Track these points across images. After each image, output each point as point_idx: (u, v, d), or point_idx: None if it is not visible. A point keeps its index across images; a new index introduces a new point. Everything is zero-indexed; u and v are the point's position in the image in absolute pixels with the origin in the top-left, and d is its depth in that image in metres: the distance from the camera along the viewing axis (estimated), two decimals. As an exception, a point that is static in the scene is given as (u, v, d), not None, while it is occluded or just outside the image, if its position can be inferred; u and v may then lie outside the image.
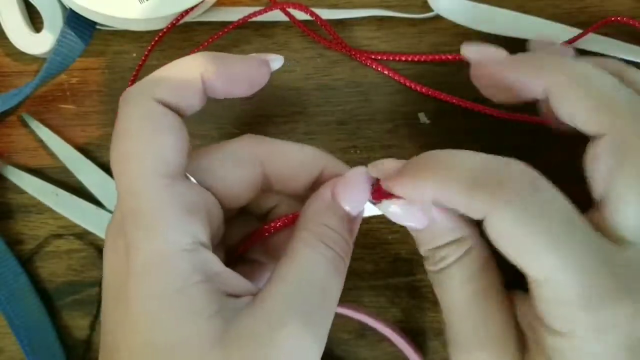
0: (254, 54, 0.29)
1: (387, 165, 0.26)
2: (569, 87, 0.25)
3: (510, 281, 0.25)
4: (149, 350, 0.22)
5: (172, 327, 0.22)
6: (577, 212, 0.23)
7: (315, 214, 0.25)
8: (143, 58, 0.38)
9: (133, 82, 0.38)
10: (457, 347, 0.25)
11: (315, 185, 0.27)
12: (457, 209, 0.23)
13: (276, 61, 0.29)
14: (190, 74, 0.26)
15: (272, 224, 0.27)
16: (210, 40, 0.37)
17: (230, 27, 0.37)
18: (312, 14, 0.36)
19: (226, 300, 0.23)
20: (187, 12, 0.36)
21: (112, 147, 0.25)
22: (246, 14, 0.37)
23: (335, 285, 0.24)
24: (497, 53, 0.29)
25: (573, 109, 0.25)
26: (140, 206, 0.23)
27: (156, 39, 0.37)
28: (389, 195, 0.25)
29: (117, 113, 0.26)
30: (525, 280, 0.23)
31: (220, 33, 0.37)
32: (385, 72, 0.37)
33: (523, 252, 0.22)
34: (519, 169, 0.23)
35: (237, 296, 0.23)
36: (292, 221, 0.27)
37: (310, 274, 0.23)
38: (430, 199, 0.24)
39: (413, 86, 0.36)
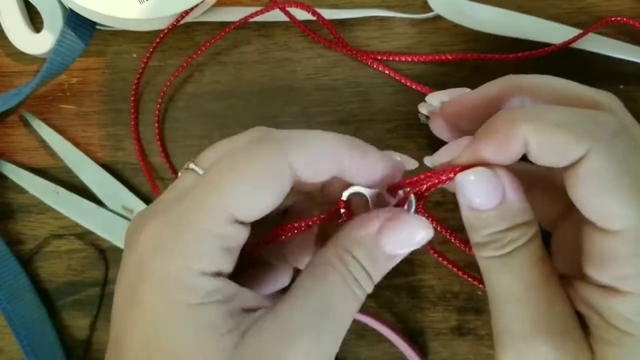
0: (392, 153, 0.26)
1: (457, 92, 0.26)
2: (601, 170, 0.22)
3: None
4: (154, 352, 0.22)
5: (182, 337, 0.22)
6: None
7: (354, 245, 0.24)
8: (145, 60, 0.38)
9: (137, 84, 0.38)
10: (510, 338, 0.24)
11: (335, 179, 0.25)
12: (550, 155, 0.22)
13: (410, 164, 0.27)
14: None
15: (288, 227, 0.26)
16: (213, 41, 0.37)
17: (232, 27, 0.37)
18: (315, 12, 0.36)
19: (242, 317, 0.23)
20: (187, 12, 0.36)
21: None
22: (246, 14, 0.37)
23: (351, 315, 0.24)
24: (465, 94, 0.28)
25: (594, 196, 0.22)
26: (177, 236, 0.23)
27: (157, 40, 0.37)
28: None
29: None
30: None
31: (223, 33, 0.37)
32: (387, 72, 0.37)
33: (613, 194, 0.21)
34: (614, 119, 0.23)
35: (253, 310, 0.23)
36: (308, 227, 0.26)
37: (333, 302, 0.23)
38: (521, 151, 0.23)
39: (414, 86, 0.36)
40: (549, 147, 0.22)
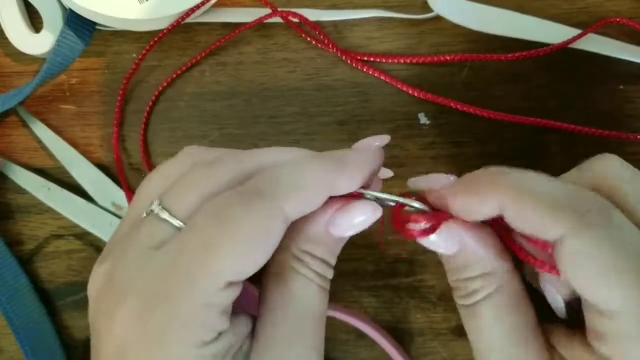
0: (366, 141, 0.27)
1: (440, 180, 0.24)
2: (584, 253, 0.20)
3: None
4: None
5: None
6: None
7: (308, 243, 0.23)
8: (140, 58, 0.38)
9: (128, 80, 0.38)
10: None
11: None
12: (526, 227, 0.21)
13: (385, 139, 0.27)
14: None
15: None
16: (218, 44, 0.37)
17: (237, 31, 0.37)
18: (304, 19, 0.36)
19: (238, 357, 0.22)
20: (189, 13, 0.36)
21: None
22: (246, 15, 0.38)
23: (326, 309, 0.24)
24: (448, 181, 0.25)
25: (583, 279, 0.21)
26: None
27: (155, 39, 0.37)
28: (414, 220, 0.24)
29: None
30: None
31: (227, 37, 0.37)
32: (376, 75, 0.37)
33: (599, 278, 0.20)
34: (598, 198, 0.21)
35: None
36: None
37: (306, 305, 0.23)
38: (493, 213, 0.22)
39: (411, 91, 0.36)
40: (526, 221, 0.22)
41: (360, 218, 0.24)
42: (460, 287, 0.24)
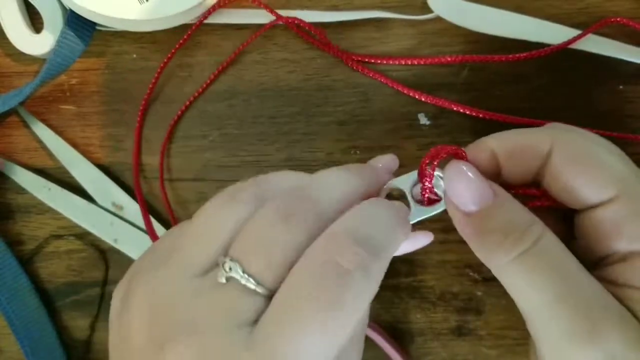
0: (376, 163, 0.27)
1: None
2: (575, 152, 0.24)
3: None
4: None
5: None
6: None
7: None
8: (162, 66, 0.38)
9: (154, 83, 0.38)
10: (572, 342, 0.21)
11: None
12: (518, 155, 0.24)
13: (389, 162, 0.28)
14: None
15: None
16: (237, 51, 0.37)
17: (246, 42, 0.37)
18: (305, 24, 0.36)
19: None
20: (210, 12, 0.37)
21: None
22: (246, 17, 0.38)
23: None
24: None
25: (578, 174, 0.24)
26: None
27: (180, 41, 0.37)
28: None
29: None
30: None
31: (241, 47, 0.37)
32: (382, 80, 0.37)
33: (595, 169, 0.23)
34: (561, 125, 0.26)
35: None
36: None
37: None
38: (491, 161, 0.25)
39: (412, 93, 0.36)
40: (517, 153, 0.24)
41: (420, 245, 0.25)
42: (512, 231, 0.22)
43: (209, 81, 0.38)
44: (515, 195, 0.24)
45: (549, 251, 0.22)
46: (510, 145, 0.25)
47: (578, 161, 0.24)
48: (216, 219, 0.22)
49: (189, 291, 0.21)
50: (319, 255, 0.20)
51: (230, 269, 0.20)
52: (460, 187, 0.23)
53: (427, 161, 0.24)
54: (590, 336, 0.20)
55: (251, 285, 0.20)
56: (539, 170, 0.25)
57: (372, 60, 0.37)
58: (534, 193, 0.25)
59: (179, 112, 0.38)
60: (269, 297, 0.20)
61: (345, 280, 0.20)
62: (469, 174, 0.23)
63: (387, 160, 0.27)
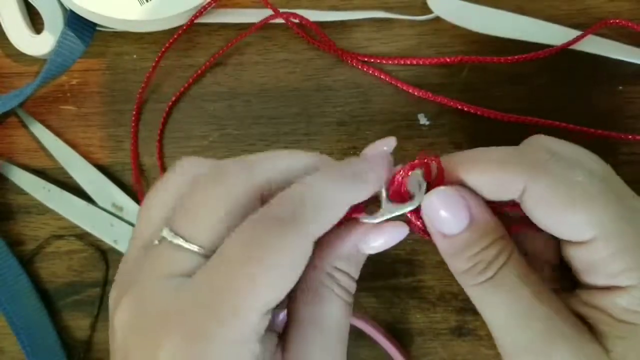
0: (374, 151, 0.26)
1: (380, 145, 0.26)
2: (551, 191, 0.23)
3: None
4: None
5: None
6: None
7: (337, 261, 0.24)
8: (154, 65, 0.38)
9: (146, 83, 0.38)
10: (523, 353, 0.23)
11: None
12: (491, 189, 0.23)
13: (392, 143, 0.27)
14: None
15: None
16: (226, 48, 0.37)
17: (240, 36, 0.37)
18: (306, 22, 0.36)
19: None
20: (200, 12, 0.37)
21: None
22: (245, 16, 0.38)
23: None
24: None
25: (558, 215, 0.23)
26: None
27: (171, 40, 0.37)
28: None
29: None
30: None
31: (231, 44, 0.37)
32: (382, 77, 0.37)
33: (566, 209, 0.22)
34: (537, 142, 0.25)
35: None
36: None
37: (336, 320, 0.24)
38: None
39: (411, 90, 0.36)
40: (485, 184, 0.24)
41: (393, 239, 0.25)
42: (478, 263, 0.23)
43: (200, 71, 0.38)
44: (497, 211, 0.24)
45: (508, 279, 0.23)
46: (482, 180, 0.24)
47: (554, 205, 0.23)
48: (158, 192, 0.24)
49: (137, 258, 0.23)
50: (250, 215, 0.22)
51: (162, 230, 0.22)
52: (435, 213, 0.24)
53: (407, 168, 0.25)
54: (541, 354, 0.23)
55: (179, 241, 0.22)
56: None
57: (372, 60, 0.37)
58: (517, 210, 0.25)
59: (167, 109, 0.38)
60: (208, 256, 0.22)
61: (267, 226, 0.21)
62: (447, 201, 0.24)
63: (379, 147, 0.27)
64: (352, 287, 0.25)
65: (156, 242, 0.22)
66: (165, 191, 0.24)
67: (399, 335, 0.36)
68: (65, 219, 0.38)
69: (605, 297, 0.23)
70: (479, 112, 0.35)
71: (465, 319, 0.36)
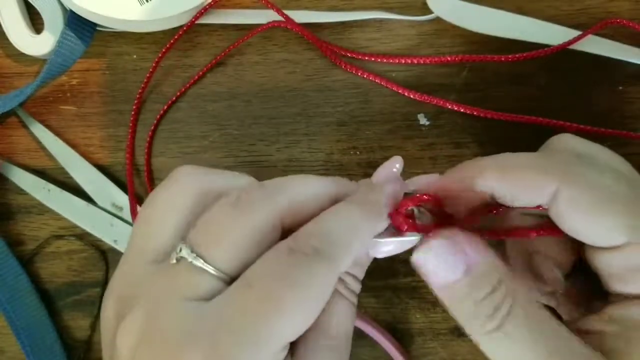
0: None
1: (425, 178, 0.25)
2: (581, 195, 0.22)
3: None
4: None
5: None
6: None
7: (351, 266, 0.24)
8: (154, 65, 0.38)
9: (144, 87, 0.38)
10: None
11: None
12: (520, 194, 0.23)
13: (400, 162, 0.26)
14: None
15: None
16: (228, 50, 0.37)
17: (242, 39, 0.37)
18: (300, 29, 0.36)
19: None
20: (201, 12, 0.37)
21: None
22: (245, 17, 0.38)
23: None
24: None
25: (587, 221, 0.23)
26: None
27: (172, 40, 0.37)
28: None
29: None
30: None
31: (232, 46, 0.37)
32: (377, 81, 0.37)
33: (598, 215, 0.22)
34: (563, 144, 0.25)
35: None
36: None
37: (344, 321, 0.24)
38: (484, 196, 0.23)
39: (406, 93, 0.36)
40: (517, 188, 0.23)
41: (404, 245, 0.25)
42: (483, 310, 0.22)
43: (201, 73, 0.38)
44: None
45: (517, 326, 0.22)
46: (512, 185, 0.24)
47: (587, 210, 0.22)
48: (158, 206, 0.24)
49: (146, 275, 0.22)
50: (277, 246, 0.22)
51: (180, 250, 0.22)
52: (430, 266, 0.23)
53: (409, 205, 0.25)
54: None
55: (199, 263, 0.21)
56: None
57: (372, 59, 0.37)
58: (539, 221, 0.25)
59: (165, 108, 0.38)
60: (227, 282, 0.21)
61: (298, 260, 0.21)
62: (441, 253, 0.23)
63: (387, 169, 0.26)
64: (358, 288, 0.25)
65: (174, 261, 0.22)
66: (167, 206, 0.24)
67: (399, 335, 0.36)
68: (65, 219, 0.38)
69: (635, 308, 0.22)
70: (479, 114, 0.35)
71: (465, 319, 0.36)
